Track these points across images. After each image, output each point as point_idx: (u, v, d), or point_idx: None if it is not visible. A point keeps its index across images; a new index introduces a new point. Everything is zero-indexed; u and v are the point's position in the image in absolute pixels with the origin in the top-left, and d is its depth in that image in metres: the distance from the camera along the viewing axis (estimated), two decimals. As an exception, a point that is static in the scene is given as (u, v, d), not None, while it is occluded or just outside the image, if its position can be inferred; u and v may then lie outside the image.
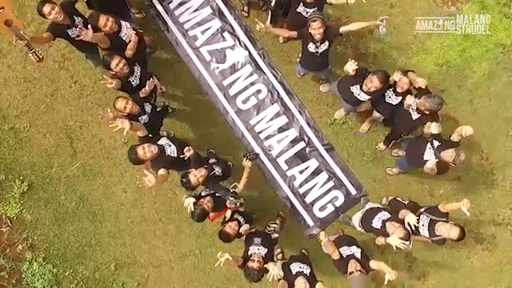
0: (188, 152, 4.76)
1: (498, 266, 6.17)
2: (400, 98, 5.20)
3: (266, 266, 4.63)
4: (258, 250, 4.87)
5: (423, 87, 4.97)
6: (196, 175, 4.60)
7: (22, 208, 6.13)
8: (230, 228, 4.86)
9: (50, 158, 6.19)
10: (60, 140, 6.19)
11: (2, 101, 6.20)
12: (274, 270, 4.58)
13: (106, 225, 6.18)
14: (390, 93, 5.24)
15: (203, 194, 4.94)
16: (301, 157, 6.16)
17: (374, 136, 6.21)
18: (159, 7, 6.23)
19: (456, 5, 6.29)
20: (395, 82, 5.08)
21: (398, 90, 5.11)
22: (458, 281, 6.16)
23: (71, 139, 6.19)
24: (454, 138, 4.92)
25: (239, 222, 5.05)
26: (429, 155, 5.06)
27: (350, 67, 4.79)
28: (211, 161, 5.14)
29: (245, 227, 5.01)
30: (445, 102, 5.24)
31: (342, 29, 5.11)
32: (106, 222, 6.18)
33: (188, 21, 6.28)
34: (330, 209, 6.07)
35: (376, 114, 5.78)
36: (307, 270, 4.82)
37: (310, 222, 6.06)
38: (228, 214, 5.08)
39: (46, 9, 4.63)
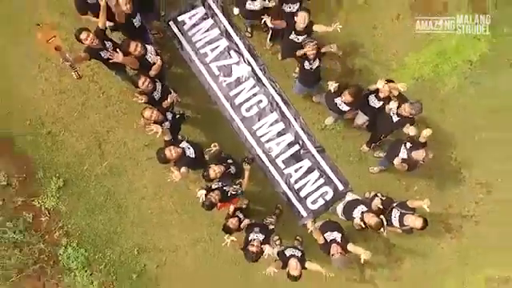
0: (215, 147, 5.74)
1: (465, 251, 7.17)
2: (381, 103, 6.17)
3: (262, 246, 5.65)
4: (256, 236, 5.85)
5: (403, 90, 5.94)
6: (215, 170, 5.56)
7: (58, 201, 7.14)
8: (232, 224, 5.81)
9: (82, 158, 7.19)
10: (90, 143, 7.19)
11: (40, 109, 7.22)
12: (269, 250, 5.60)
13: (129, 215, 7.19)
14: (372, 98, 6.22)
15: (213, 187, 5.92)
16: (296, 157, 7.16)
17: (359, 140, 7.19)
18: (175, 29, 7.24)
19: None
20: (378, 89, 6.06)
21: (380, 95, 6.09)
22: (429, 264, 7.18)
23: (100, 142, 7.20)
24: (421, 139, 5.93)
25: (240, 218, 6.02)
26: (403, 154, 6.08)
27: (332, 86, 5.82)
28: (229, 161, 6.10)
29: (245, 222, 6.00)
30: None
31: (323, 49, 6.07)
32: (129, 213, 7.19)
33: (199, 40, 7.26)
34: (321, 202, 7.08)
35: (359, 122, 6.79)
36: (299, 254, 5.81)
37: (304, 213, 7.08)
38: (231, 209, 6.01)
39: (83, 35, 5.62)
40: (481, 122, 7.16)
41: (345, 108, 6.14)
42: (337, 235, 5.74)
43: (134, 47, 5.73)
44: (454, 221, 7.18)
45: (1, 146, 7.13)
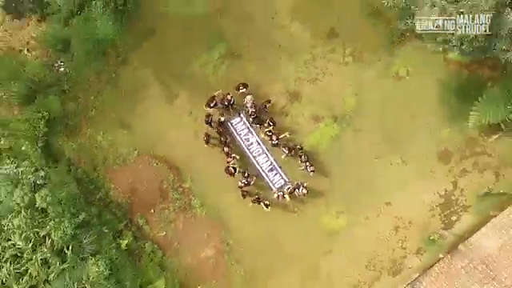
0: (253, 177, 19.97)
1: (333, 205, 20.72)
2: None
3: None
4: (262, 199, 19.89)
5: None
6: (249, 176, 19.60)
7: (192, 184, 21.04)
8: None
9: (202, 176, 21.05)
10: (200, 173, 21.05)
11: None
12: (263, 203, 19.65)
13: (215, 201, 20.93)
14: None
15: (244, 182, 19.80)
16: (271, 169, 20.85)
17: (294, 164, 20.78)
18: (230, 125, 21.05)
19: (318, 123, 20.86)
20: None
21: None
22: (321, 208, 20.64)
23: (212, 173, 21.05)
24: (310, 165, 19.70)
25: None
26: (309, 169, 19.85)
27: (283, 150, 19.72)
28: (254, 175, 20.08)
29: (254, 197, 20.03)
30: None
31: (280, 136, 19.83)
32: (218, 200, 20.93)
33: (238, 129, 21.01)
34: (279, 185, 20.75)
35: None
36: (268, 203, 19.79)
37: (274, 189, 20.77)
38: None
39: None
40: (341, 162, 20.75)
41: (284, 156, 19.97)
42: (281, 193, 19.75)
43: (225, 140, 19.67)
44: (330, 193, 20.78)
45: (171, 168, 21.08)
